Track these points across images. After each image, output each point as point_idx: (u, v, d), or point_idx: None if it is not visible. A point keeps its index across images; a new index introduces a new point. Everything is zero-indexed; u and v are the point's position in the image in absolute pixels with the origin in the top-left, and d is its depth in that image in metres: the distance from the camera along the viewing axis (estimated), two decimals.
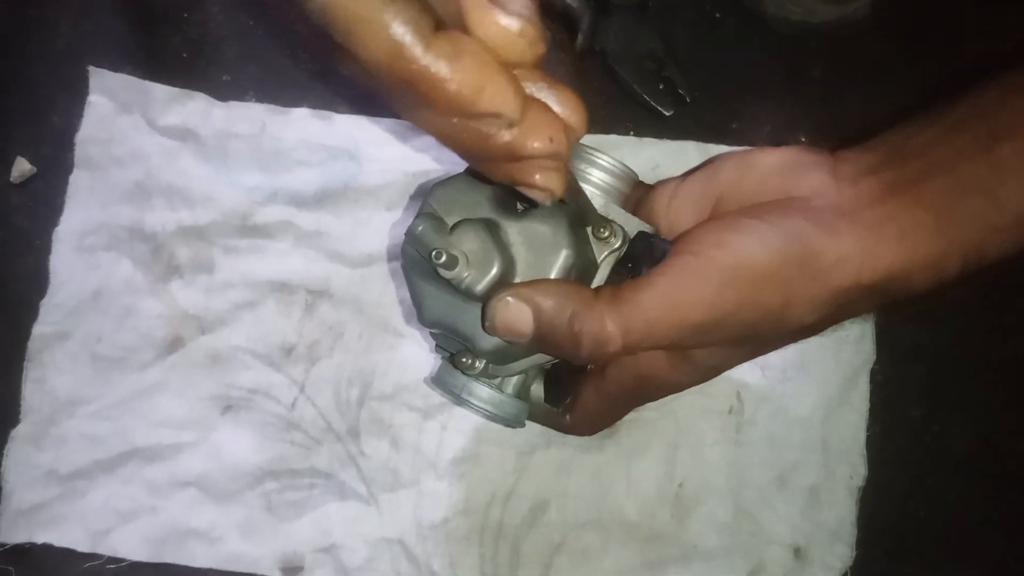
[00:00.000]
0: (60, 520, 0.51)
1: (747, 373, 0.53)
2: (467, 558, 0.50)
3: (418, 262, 0.37)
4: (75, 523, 0.51)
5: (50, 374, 0.52)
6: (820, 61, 0.58)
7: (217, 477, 0.51)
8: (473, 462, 0.52)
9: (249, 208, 0.55)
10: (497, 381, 0.41)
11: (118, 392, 0.52)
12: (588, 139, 0.37)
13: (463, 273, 0.35)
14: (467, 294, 0.36)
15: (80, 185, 0.55)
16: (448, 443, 0.52)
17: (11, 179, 0.55)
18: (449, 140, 0.26)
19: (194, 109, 0.56)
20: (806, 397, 0.53)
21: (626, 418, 0.52)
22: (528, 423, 0.43)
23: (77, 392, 0.52)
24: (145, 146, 0.55)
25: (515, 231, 0.37)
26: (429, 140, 0.55)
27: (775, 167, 0.37)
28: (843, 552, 0.51)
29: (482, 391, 0.41)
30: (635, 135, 0.56)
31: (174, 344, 0.53)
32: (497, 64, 0.24)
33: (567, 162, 0.27)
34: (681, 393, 0.52)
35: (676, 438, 0.52)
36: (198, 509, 0.51)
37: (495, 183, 0.32)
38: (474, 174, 0.38)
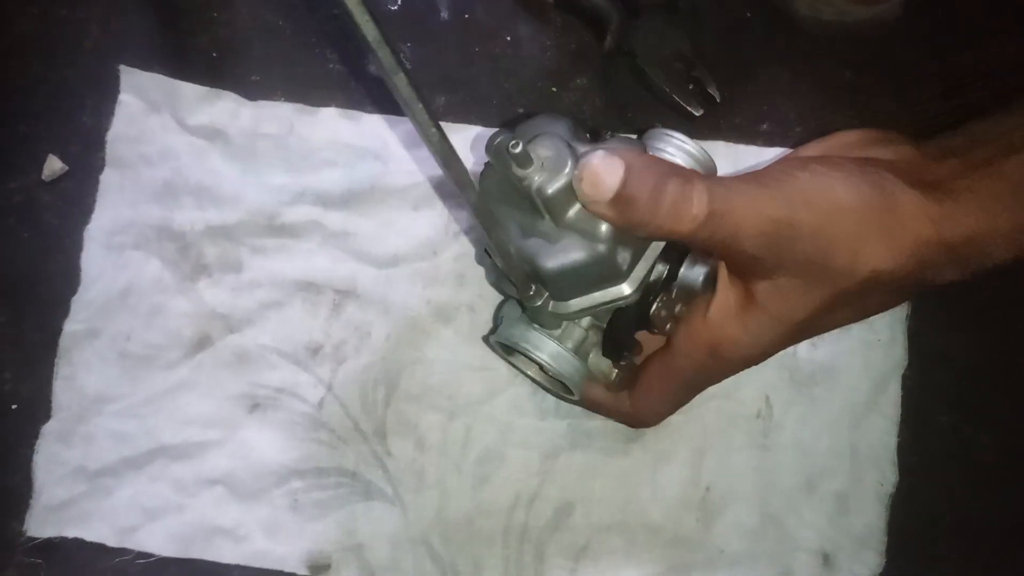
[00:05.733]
0: (88, 516, 0.51)
1: (776, 376, 0.52)
2: (491, 559, 0.50)
3: (491, 191, 0.39)
4: (103, 519, 0.51)
5: (79, 372, 0.53)
6: (850, 62, 0.57)
7: (243, 476, 0.52)
8: (498, 463, 0.52)
9: (276, 208, 0.55)
10: (557, 333, 0.42)
11: (146, 390, 0.53)
12: None
13: (535, 175, 0.36)
14: (538, 195, 0.36)
15: (110, 184, 0.55)
16: (473, 444, 0.52)
17: (43, 177, 0.55)
18: None
19: (223, 108, 0.56)
20: (835, 401, 0.52)
21: None
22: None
23: (105, 390, 0.53)
24: (174, 145, 0.56)
25: None
26: (457, 141, 0.55)
27: (860, 139, 0.39)
28: (872, 559, 0.50)
29: (542, 342, 0.41)
30: None
31: (201, 343, 0.53)
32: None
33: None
34: (709, 398, 0.52)
35: (703, 442, 0.52)
36: (224, 508, 0.51)
37: (573, 117, 0.40)
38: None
